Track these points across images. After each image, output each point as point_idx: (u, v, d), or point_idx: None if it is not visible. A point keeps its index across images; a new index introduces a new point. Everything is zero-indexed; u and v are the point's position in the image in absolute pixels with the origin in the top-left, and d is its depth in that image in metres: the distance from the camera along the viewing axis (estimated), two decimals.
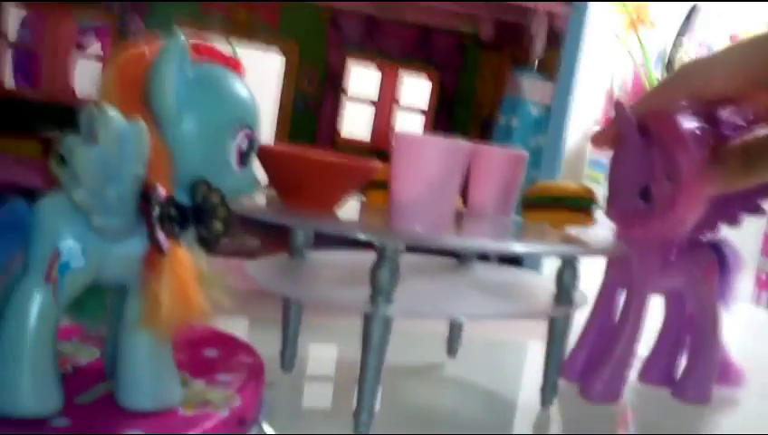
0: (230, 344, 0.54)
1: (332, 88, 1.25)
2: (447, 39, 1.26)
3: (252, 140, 0.41)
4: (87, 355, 0.49)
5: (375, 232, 0.46)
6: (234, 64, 0.42)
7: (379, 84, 1.30)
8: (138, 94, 0.37)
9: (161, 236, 0.37)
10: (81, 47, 1.28)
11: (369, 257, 0.48)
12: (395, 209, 0.47)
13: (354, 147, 1.30)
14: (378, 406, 0.57)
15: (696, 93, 0.58)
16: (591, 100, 1.97)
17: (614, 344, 0.66)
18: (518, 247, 0.52)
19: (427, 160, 0.45)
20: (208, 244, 0.40)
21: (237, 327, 0.69)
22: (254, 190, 0.42)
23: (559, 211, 0.60)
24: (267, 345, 0.64)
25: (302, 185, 0.49)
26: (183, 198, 0.39)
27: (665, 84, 0.61)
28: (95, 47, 1.34)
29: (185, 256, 0.38)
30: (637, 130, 0.61)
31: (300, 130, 1.26)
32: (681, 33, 1.70)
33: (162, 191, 0.37)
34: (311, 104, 1.25)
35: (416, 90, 1.32)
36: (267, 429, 0.46)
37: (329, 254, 0.61)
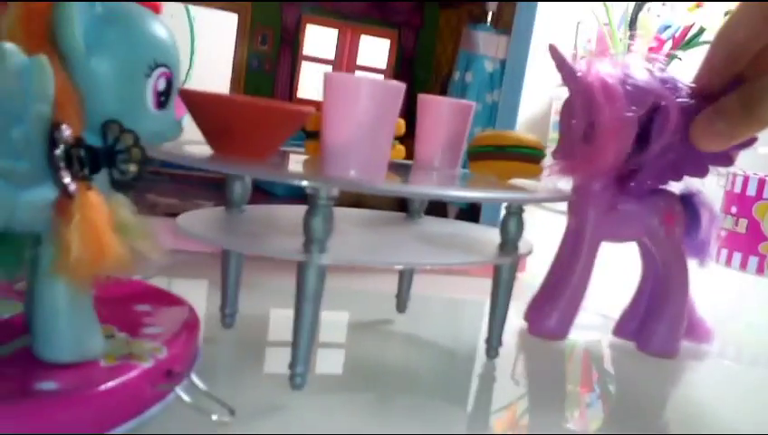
0: (164, 300, 0.53)
1: (288, 48, 1.22)
2: None
3: (170, 81, 0.39)
4: (9, 310, 0.47)
5: (305, 177, 0.44)
6: (149, 2, 0.40)
7: (337, 44, 1.27)
8: (43, 32, 0.35)
9: (67, 177, 0.35)
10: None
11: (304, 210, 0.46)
12: (327, 154, 0.46)
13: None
14: (322, 362, 0.56)
15: (729, 52, 0.59)
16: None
17: (563, 286, 0.67)
18: (452, 193, 0.51)
19: (357, 100, 0.43)
20: (123, 187, 0.38)
21: (176, 287, 0.68)
22: (175, 134, 0.41)
23: (504, 161, 0.59)
24: (208, 304, 0.63)
25: (231, 131, 0.47)
26: (95, 142, 0.37)
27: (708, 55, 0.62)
28: None
29: (97, 201, 0.36)
30: (573, 72, 0.62)
31: (255, 90, 1.23)
32: None
33: (68, 130, 0.35)
34: (266, 64, 1.22)
35: (374, 50, 1.30)
36: (197, 382, 0.45)
37: (265, 207, 0.59)
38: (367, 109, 0.44)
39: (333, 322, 0.67)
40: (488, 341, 0.60)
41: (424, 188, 0.50)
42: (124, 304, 0.51)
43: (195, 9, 1.37)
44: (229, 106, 0.47)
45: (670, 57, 1.70)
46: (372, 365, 0.59)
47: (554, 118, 1.89)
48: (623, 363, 0.69)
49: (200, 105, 0.48)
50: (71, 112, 0.35)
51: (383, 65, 1.31)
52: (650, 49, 1.68)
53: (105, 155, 0.37)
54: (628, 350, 0.71)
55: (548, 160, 0.63)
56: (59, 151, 0.35)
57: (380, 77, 1.31)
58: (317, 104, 1.35)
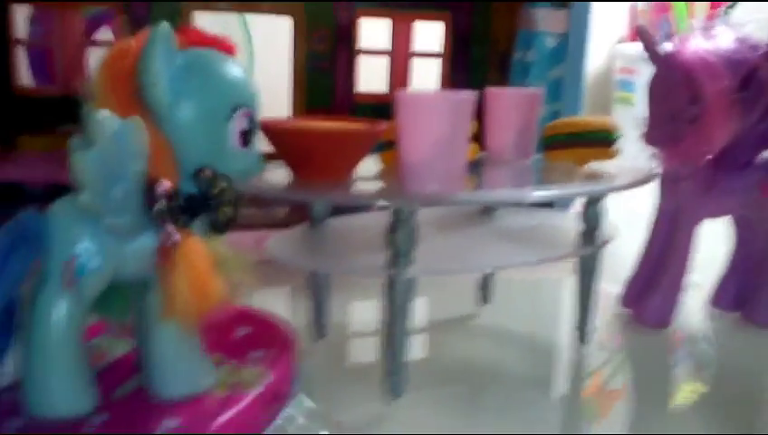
0: (262, 321, 0.55)
1: (344, 44, 1.22)
2: None
3: (252, 119, 0.40)
4: (121, 348, 0.50)
5: (388, 198, 0.46)
6: (224, 46, 0.41)
7: (392, 34, 1.27)
8: (129, 89, 0.37)
9: (170, 229, 0.37)
10: (90, 36, 1.28)
11: (387, 218, 0.48)
12: (405, 171, 0.47)
13: (372, 101, 1.28)
14: (413, 364, 0.58)
15: None
16: (614, 18, 1.90)
17: (663, 272, 0.66)
18: (533, 196, 0.50)
19: (431, 117, 0.44)
20: (220, 229, 0.40)
21: (269, 298, 0.70)
22: (261, 169, 0.42)
23: (579, 148, 0.59)
24: (299, 313, 0.65)
25: (311, 158, 0.49)
26: (190, 187, 0.38)
27: None
28: (105, 34, 1.34)
29: (197, 245, 0.38)
30: (664, 57, 0.60)
31: (315, 90, 1.25)
32: None
33: (166, 185, 0.37)
34: (323, 63, 1.23)
35: (430, 34, 1.29)
36: (305, 400, 0.47)
37: (348, 219, 0.60)
38: (440, 124, 0.45)
39: (419, 319, 0.68)
40: (580, 328, 0.61)
41: (505, 193, 0.50)
42: (227, 330, 0.53)
43: (250, 16, 1.40)
44: (307, 136, 0.48)
45: (729, 6, 1.63)
46: (465, 362, 0.60)
47: (618, 76, 1.84)
48: (724, 339, 0.68)
49: (279, 136, 0.49)
50: (165, 165, 0.37)
51: (439, 48, 1.30)
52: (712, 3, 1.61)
53: (201, 202, 0.39)
54: (724, 322, 0.70)
55: (643, 146, 0.62)
56: (160, 206, 0.37)
57: (438, 61, 1.30)
58: (376, 97, 1.35)
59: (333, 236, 0.56)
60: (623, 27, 1.88)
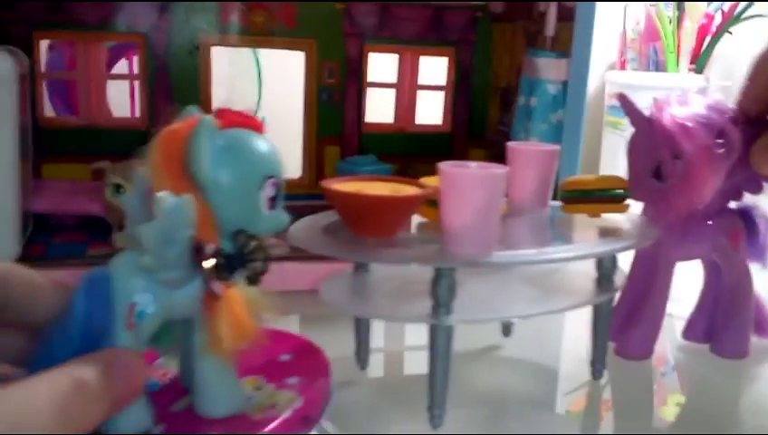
0: (303, 349, 0.61)
1: (354, 78, 1.29)
2: (460, 16, 1.29)
3: (278, 186, 0.47)
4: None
5: (430, 259, 0.53)
6: (255, 125, 0.47)
7: (398, 68, 1.34)
8: (179, 167, 0.44)
9: (216, 284, 0.44)
10: (110, 68, 1.33)
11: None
12: (446, 234, 0.53)
13: (379, 130, 1.35)
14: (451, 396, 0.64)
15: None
16: (606, 42, 1.98)
17: (643, 308, 0.73)
18: (556, 257, 0.57)
19: (470, 191, 0.51)
20: (253, 281, 0.46)
21: (315, 327, 0.74)
22: (284, 226, 0.48)
23: (593, 204, 0.66)
24: (345, 344, 0.69)
25: (364, 218, 0.56)
26: (228, 246, 0.45)
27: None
28: (123, 65, 1.39)
29: (237, 295, 0.46)
30: (643, 116, 0.67)
31: (327, 120, 1.31)
32: None
33: (211, 247, 0.44)
34: (334, 96, 1.29)
35: (434, 68, 1.36)
36: (328, 426, 0.53)
37: (389, 267, 0.66)
38: (476, 196, 0.51)
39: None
40: (593, 364, 0.68)
41: (531, 254, 0.57)
42: (272, 356, 0.59)
43: (264, 51, 1.46)
44: (359, 200, 0.55)
45: (721, 32, 1.72)
46: (490, 390, 0.66)
47: (608, 101, 1.92)
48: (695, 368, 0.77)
49: (335, 198, 0.56)
50: (209, 229, 0.44)
51: (443, 82, 1.37)
52: (700, 26, 1.70)
53: (238, 259, 0.46)
54: (695, 353, 0.78)
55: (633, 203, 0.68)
56: (207, 265, 0.44)
57: (441, 93, 1.37)
58: (384, 125, 1.41)
59: (379, 282, 0.63)
60: (613, 54, 1.96)
